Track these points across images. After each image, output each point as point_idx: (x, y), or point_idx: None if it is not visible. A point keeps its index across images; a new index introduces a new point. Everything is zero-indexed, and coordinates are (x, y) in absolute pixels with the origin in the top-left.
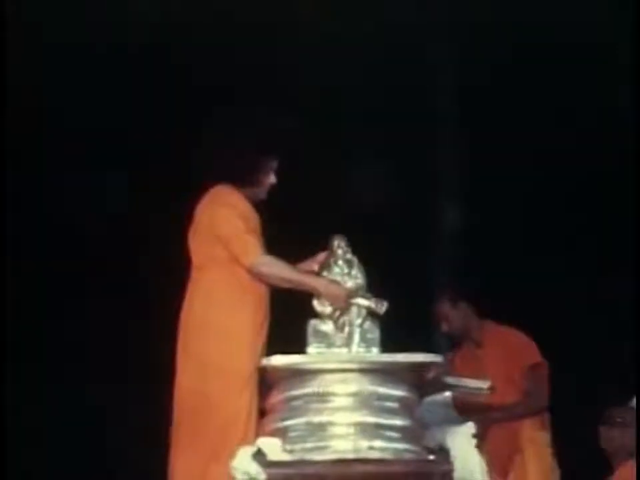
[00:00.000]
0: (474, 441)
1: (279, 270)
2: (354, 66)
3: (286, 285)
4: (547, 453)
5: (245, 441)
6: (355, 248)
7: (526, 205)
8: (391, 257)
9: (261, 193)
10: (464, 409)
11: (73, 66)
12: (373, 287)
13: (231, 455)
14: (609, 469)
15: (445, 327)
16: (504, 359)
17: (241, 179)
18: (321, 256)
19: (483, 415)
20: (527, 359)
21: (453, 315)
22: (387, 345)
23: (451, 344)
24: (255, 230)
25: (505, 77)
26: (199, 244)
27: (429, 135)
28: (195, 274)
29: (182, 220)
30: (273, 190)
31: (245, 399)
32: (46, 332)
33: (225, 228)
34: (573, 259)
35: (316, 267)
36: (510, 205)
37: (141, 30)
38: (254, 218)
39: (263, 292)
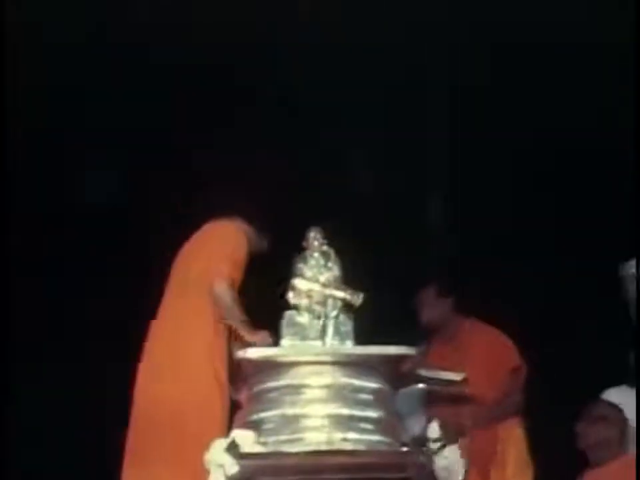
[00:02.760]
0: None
1: (227, 300)
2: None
3: (228, 314)
4: (523, 449)
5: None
6: (335, 239)
7: (515, 199)
8: (374, 250)
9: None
10: (442, 402)
11: (72, 66)
12: (356, 280)
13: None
14: (581, 463)
15: (423, 316)
16: (486, 359)
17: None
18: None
19: (461, 421)
20: (508, 363)
21: (435, 305)
22: (364, 338)
23: (426, 339)
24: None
25: (501, 75)
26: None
27: (419, 127)
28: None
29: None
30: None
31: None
32: (46, 331)
33: (225, 247)
34: (557, 256)
35: None
36: (498, 199)
37: (141, 29)
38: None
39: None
